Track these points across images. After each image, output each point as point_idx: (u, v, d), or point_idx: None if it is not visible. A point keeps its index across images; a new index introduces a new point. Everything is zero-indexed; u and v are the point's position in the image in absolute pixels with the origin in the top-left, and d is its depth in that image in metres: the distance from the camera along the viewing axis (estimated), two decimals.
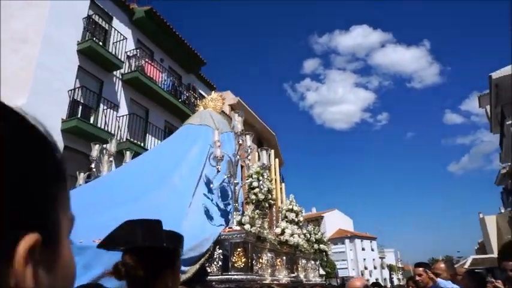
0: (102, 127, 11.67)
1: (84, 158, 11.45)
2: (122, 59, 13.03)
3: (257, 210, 4.84)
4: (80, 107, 11.45)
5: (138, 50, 14.05)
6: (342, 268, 48.40)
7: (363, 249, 56.33)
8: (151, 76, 14.16)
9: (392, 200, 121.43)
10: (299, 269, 6.33)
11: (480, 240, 31.95)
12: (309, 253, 6.80)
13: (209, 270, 4.25)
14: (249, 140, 5.22)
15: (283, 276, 5.50)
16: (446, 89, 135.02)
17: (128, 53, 13.72)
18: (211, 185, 5.20)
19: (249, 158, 5.40)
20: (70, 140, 10.77)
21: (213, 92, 10.98)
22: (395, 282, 43.09)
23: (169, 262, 1.32)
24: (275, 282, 4.93)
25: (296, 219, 6.39)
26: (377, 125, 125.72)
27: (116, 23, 13.58)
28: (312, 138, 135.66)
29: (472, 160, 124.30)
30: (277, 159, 7.22)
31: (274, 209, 6.20)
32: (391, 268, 51.94)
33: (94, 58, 11.99)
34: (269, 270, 5.03)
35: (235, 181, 4.87)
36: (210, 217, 4.72)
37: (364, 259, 55.44)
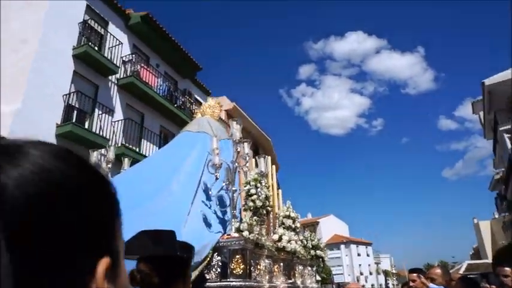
0: (97, 132, 11.59)
1: None
2: (118, 64, 12.99)
3: (255, 217, 4.84)
4: (75, 111, 11.37)
5: (133, 55, 14.02)
6: (338, 274, 48.33)
7: (359, 254, 56.34)
8: (147, 81, 14.13)
9: (388, 205, 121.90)
10: (296, 275, 6.32)
11: (475, 246, 32.11)
12: (306, 259, 6.79)
13: (208, 277, 4.24)
14: (246, 147, 5.26)
15: (280, 283, 5.49)
16: (441, 95, 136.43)
17: (124, 58, 13.69)
18: (210, 192, 5.21)
19: (247, 165, 5.42)
20: (64, 145, 10.62)
21: (209, 98, 10.97)
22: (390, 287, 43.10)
23: (181, 271, 1.40)
24: None
25: (293, 226, 6.39)
26: (372, 131, 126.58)
27: (111, 28, 13.56)
28: (308, 143, 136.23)
29: (466, 166, 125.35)
30: (273, 166, 7.22)
31: (271, 215, 6.19)
32: (386, 274, 51.95)
33: (89, 63, 11.95)
34: (267, 277, 5.02)
35: (233, 188, 4.89)
36: (208, 224, 4.72)
37: (360, 265, 55.43)
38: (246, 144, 5.26)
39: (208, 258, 4.20)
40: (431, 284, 3.62)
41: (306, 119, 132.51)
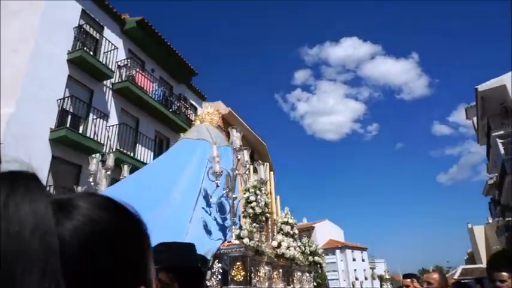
0: (92, 137, 11.48)
1: (73, 168, 11.25)
2: (113, 69, 12.91)
3: (254, 224, 4.81)
4: (69, 116, 11.27)
5: (129, 60, 13.96)
6: (333, 279, 48.19)
7: (354, 259, 56.26)
8: (142, 86, 14.06)
9: (383, 210, 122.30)
10: (295, 281, 6.30)
11: (469, 250, 32.26)
12: (304, 265, 6.76)
13: (209, 284, 4.20)
14: (246, 155, 5.30)
15: None
16: (435, 101, 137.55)
17: (119, 63, 13.62)
18: (211, 200, 5.21)
19: (246, 172, 5.44)
20: (58, 150, 10.56)
21: (204, 103, 10.93)
22: None
23: (199, 282, 1.48)
24: None
25: (291, 232, 6.37)
26: (367, 136, 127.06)
27: (107, 32, 13.50)
28: (303, 148, 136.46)
29: (461, 171, 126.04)
30: (271, 172, 7.20)
31: (269, 222, 6.16)
32: (381, 279, 51.95)
33: (84, 67, 11.87)
34: (267, 283, 4.99)
35: (233, 195, 4.88)
36: (208, 231, 4.70)
37: (355, 270, 55.34)
38: (245, 151, 5.29)
39: (209, 265, 4.14)
40: None
41: (301, 123, 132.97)
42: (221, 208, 5.19)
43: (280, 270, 5.73)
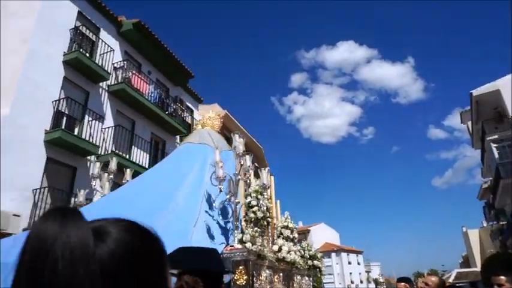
0: (87, 139, 11.34)
1: (68, 170, 11.10)
2: (109, 71, 12.81)
3: (256, 228, 4.77)
4: (65, 118, 11.14)
5: (125, 62, 13.86)
6: (328, 282, 48.07)
7: (350, 263, 56.28)
8: (138, 88, 13.96)
9: (378, 213, 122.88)
10: (295, 285, 6.26)
11: (464, 254, 32.40)
12: (304, 269, 6.72)
13: None
14: (248, 160, 5.33)
15: None
16: (430, 105, 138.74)
17: (115, 65, 13.52)
18: (214, 204, 5.20)
19: (249, 177, 5.48)
20: (53, 151, 10.42)
21: (202, 105, 10.87)
22: None
23: (220, 286, 1.53)
24: None
25: (291, 236, 6.34)
26: (363, 139, 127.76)
27: (103, 34, 13.40)
28: (299, 151, 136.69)
29: (456, 175, 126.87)
30: (272, 177, 7.17)
31: (269, 226, 6.13)
32: (376, 282, 51.98)
33: (80, 69, 11.75)
34: (268, 287, 4.91)
35: (236, 200, 4.88)
36: (211, 235, 4.67)
37: (351, 273, 55.34)
38: (248, 157, 5.32)
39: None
40: None
41: (297, 127, 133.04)
42: (224, 212, 5.16)
43: (281, 274, 5.70)
